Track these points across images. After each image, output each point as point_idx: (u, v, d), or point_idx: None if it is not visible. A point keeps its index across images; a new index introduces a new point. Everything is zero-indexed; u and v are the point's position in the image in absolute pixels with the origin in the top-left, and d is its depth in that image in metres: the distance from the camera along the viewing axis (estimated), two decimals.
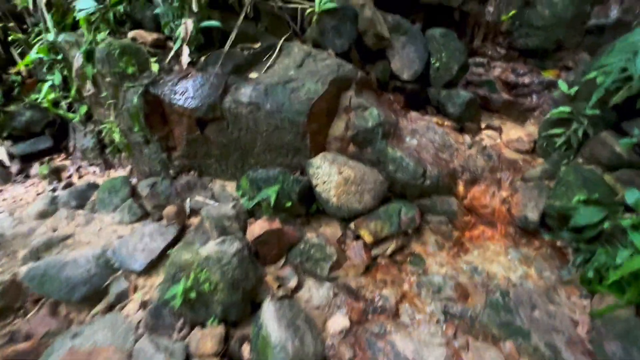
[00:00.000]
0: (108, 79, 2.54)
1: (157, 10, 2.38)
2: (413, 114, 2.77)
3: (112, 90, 2.57)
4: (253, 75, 2.37)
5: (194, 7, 2.25)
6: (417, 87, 2.92)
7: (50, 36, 2.99)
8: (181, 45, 2.35)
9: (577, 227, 1.72)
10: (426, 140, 2.48)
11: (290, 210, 2.15)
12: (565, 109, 2.32)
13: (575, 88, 2.53)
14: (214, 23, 2.24)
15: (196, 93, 2.28)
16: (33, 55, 3.15)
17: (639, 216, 1.58)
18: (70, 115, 3.38)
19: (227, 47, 2.36)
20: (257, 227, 1.98)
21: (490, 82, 3.16)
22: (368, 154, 2.35)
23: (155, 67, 2.42)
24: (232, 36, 2.40)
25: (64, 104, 3.36)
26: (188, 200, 2.56)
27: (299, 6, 2.71)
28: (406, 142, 2.45)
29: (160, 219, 2.49)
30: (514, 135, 2.84)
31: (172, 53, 2.45)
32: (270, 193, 1.99)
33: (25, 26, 3.58)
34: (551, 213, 2.00)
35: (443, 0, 3.32)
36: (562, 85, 2.63)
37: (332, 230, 2.22)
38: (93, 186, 2.85)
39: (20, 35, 3.59)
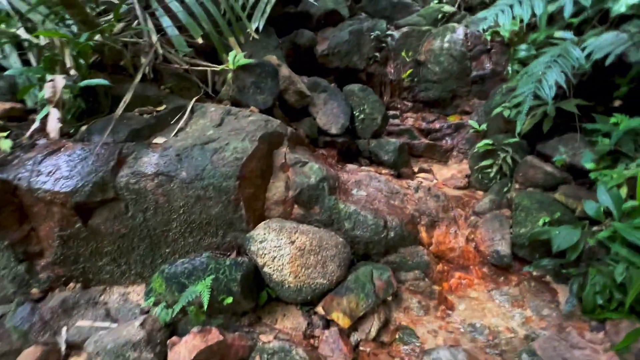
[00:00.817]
0: None
1: (10, 72, 1.78)
2: (350, 166, 2.60)
3: None
4: (159, 140, 1.87)
5: (68, 63, 1.75)
6: (347, 140, 2.82)
7: None
8: (47, 112, 1.74)
9: (559, 251, 1.60)
10: (373, 189, 2.27)
11: (230, 308, 1.54)
12: (488, 141, 2.44)
13: (485, 125, 2.76)
14: (99, 81, 1.75)
15: (73, 171, 1.64)
16: None
17: (608, 227, 1.53)
18: None
19: (119, 110, 1.86)
20: (185, 349, 1.30)
21: (408, 130, 3.32)
22: (317, 215, 1.97)
23: (5, 144, 1.71)
24: (127, 98, 1.92)
25: None
26: (64, 330, 1.67)
27: (208, 69, 2.46)
28: (354, 194, 2.18)
29: None
30: (446, 174, 2.90)
31: (35, 124, 1.80)
32: (200, 290, 1.37)
33: None
34: (520, 242, 1.88)
35: (350, 64, 3.55)
36: (473, 124, 2.86)
37: (292, 322, 1.65)
38: None
39: None
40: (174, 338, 1.36)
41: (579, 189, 1.90)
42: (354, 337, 1.59)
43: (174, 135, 1.91)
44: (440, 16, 3.83)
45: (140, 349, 1.37)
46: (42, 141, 1.78)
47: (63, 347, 1.60)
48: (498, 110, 2.46)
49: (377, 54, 3.58)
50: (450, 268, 2.03)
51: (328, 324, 1.64)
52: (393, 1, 4.25)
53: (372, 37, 3.54)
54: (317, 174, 2.01)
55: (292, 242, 1.61)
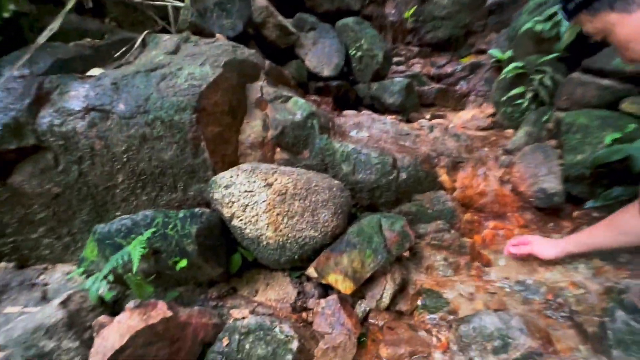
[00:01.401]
0: None
1: None
2: (348, 112, 2.15)
3: None
4: (94, 71, 1.45)
5: None
6: (344, 84, 2.36)
7: None
8: None
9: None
10: (377, 131, 1.82)
11: (189, 275, 1.13)
12: (518, 64, 1.96)
13: (509, 52, 2.26)
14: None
15: None
16: None
17: None
18: None
19: (40, 39, 1.44)
20: (115, 332, 0.90)
21: (416, 76, 2.84)
22: (307, 159, 1.54)
23: None
24: (54, 26, 1.49)
25: None
26: None
27: (169, 3, 2.01)
28: (353, 136, 1.74)
29: None
30: (464, 117, 2.42)
31: None
32: (132, 249, 0.96)
33: None
34: (576, 174, 1.42)
35: (341, 5, 3.06)
36: (495, 53, 2.36)
37: (277, 291, 1.24)
38: None
39: None
40: (102, 318, 0.95)
41: None
42: (361, 307, 1.17)
43: (115, 68, 1.49)
44: None
45: (58, 336, 0.97)
46: None
47: None
48: (528, 25, 1.96)
49: None
50: (481, 217, 1.58)
51: (326, 292, 1.22)
52: None
53: None
54: (304, 108, 1.57)
55: (269, 185, 1.19)
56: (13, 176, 1.34)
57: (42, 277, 1.47)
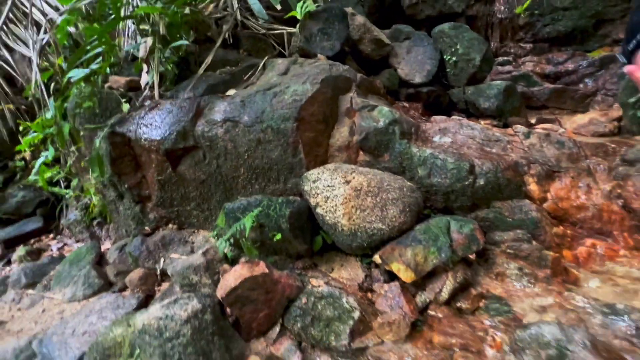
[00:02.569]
0: (82, 133, 2.28)
1: (126, 48, 2.19)
2: (437, 117, 2.19)
3: (88, 144, 2.27)
4: (230, 92, 1.98)
5: (162, 31, 2.02)
6: (436, 90, 2.40)
7: (48, 114, 2.92)
8: (150, 79, 2.06)
9: None
10: (463, 137, 1.84)
11: (283, 247, 1.47)
12: None
13: None
14: (181, 42, 1.97)
15: (163, 122, 1.89)
16: (30, 136, 3.08)
17: None
18: (64, 191, 3.13)
19: (200, 70, 2.05)
20: (232, 277, 1.30)
21: (525, 75, 2.60)
22: (386, 162, 1.72)
23: (125, 107, 2.11)
24: (208, 60, 2.11)
25: (61, 180, 3.15)
26: (162, 260, 1.95)
27: (285, 31, 2.49)
28: (435, 141, 1.82)
29: (123, 288, 1.87)
30: (581, 120, 2.13)
31: (145, 91, 2.17)
32: (246, 221, 1.35)
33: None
34: None
35: (444, 8, 3.04)
36: None
37: (349, 272, 1.47)
38: (57, 260, 2.35)
39: (29, 124, 3.67)
40: (225, 266, 1.38)
41: None
42: (421, 297, 1.30)
43: (243, 89, 1.99)
44: None
45: (200, 274, 1.45)
46: (147, 102, 2.13)
47: (158, 272, 1.86)
48: None
49: None
50: (577, 233, 1.45)
51: (390, 277, 1.39)
52: None
53: None
54: (387, 116, 1.75)
55: (347, 182, 1.43)
56: (180, 166, 1.96)
57: (191, 237, 2.09)
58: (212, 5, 2.54)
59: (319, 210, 1.46)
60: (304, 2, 2.10)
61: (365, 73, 2.44)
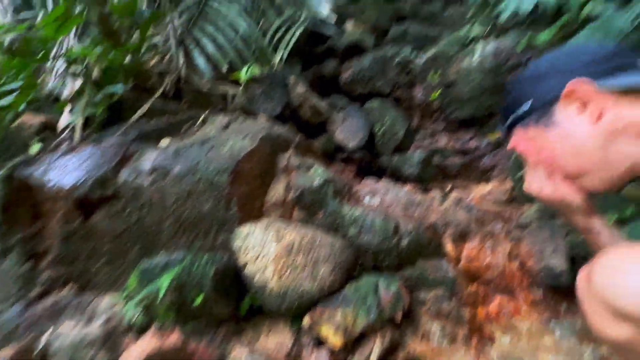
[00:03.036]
0: None
1: (53, 85, 2.04)
2: (368, 180, 2.38)
3: None
4: (165, 142, 1.91)
5: (95, 74, 1.95)
6: (367, 156, 2.65)
7: None
8: (74, 120, 1.91)
9: None
10: (390, 199, 2.00)
11: (205, 310, 1.32)
12: None
13: None
14: (115, 88, 1.90)
15: (79, 167, 1.71)
16: None
17: None
18: None
19: (134, 117, 1.97)
20: (136, 351, 1.10)
21: (440, 149, 3.04)
22: (320, 220, 1.75)
23: (35, 148, 1.88)
24: (145, 108, 2.05)
25: None
26: (47, 333, 1.58)
27: (229, 90, 2.59)
28: (365, 202, 1.94)
29: None
30: (484, 190, 2.50)
31: (64, 133, 1.98)
32: (164, 281, 1.21)
33: None
34: (581, 253, 1.42)
35: (374, 89, 3.51)
36: None
37: (277, 338, 1.36)
38: None
39: None
40: (130, 337, 1.17)
41: None
42: None
43: (180, 139, 1.94)
44: (468, 41, 3.72)
45: (96, 349, 1.20)
46: (64, 145, 1.93)
47: (39, 348, 1.49)
48: None
49: (402, 78, 3.51)
50: (488, 290, 1.59)
51: (319, 342, 1.32)
52: (421, 34, 4.30)
53: (396, 62, 3.52)
54: (322, 176, 1.84)
55: (280, 239, 1.41)
56: (93, 217, 1.74)
57: (94, 302, 1.76)
58: (157, 58, 2.57)
59: (248, 269, 1.38)
60: (249, 67, 2.26)
61: (304, 136, 2.60)
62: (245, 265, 1.39)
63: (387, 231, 1.60)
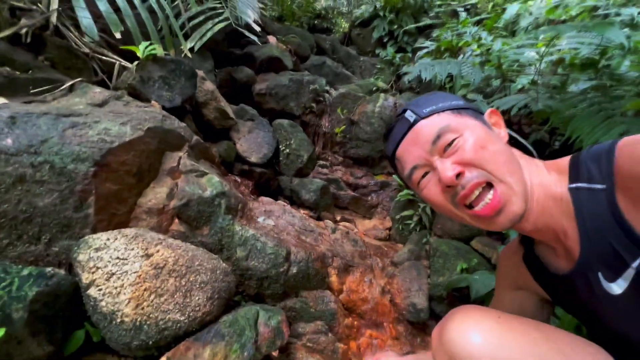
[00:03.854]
0: None
1: None
2: (265, 199, 2.26)
3: None
4: None
5: None
6: (268, 173, 2.54)
7: None
8: None
9: (478, 297, 1.38)
10: (284, 222, 1.93)
11: (3, 353, 0.92)
12: (409, 191, 2.38)
13: None
14: None
15: None
16: None
17: None
18: None
19: None
20: None
21: (336, 180, 3.20)
22: (204, 236, 1.53)
23: None
24: None
25: None
26: None
27: (117, 61, 2.12)
28: (260, 222, 1.81)
29: None
30: (368, 225, 2.71)
31: None
32: None
33: None
34: (438, 294, 1.64)
35: (286, 108, 3.50)
36: (397, 178, 2.85)
37: None
38: None
39: None
40: None
41: (493, 240, 1.82)
42: None
43: (25, 103, 1.43)
44: (374, 89, 4.19)
45: None
46: None
47: None
48: None
49: (314, 104, 3.63)
50: (361, 324, 1.66)
51: None
52: (336, 71, 4.62)
53: (311, 88, 3.63)
54: (216, 187, 1.63)
55: (148, 256, 1.13)
56: None
57: None
58: None
59: (92, 291, 1.04)
60: (151, 44, 1.90)
61: (203, 138, 2.33)
62: (89, 285, 1.05)
63: (278, 257, 1.51)
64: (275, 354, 1.24)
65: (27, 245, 1.21)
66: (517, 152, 0.74)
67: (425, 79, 2.10)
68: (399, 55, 4.77)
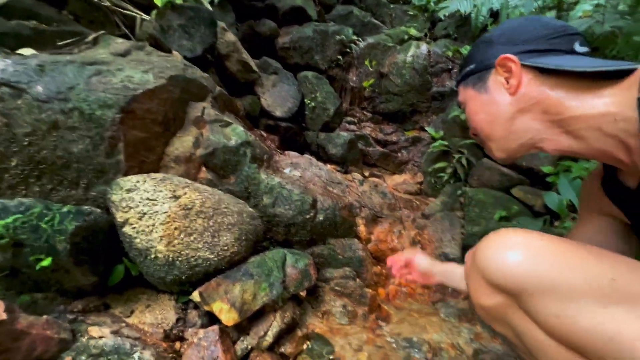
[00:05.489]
0: None
1: None
2: (291, 153, 2.23)
3: None
4: (25, 51, 1.40)
5: None
6: (293, 128, 2.49)
7: None
8: None
9: None
10: (311, 174, 1.89)
11: (53, 279, 1.00)
12: (443, 142, 2.23)
13: (441, 132, 2.58)
14: None
15: None
16: None
17: (573, 219, 1.27)
18: None
19: None
20: None
21: (364, 136, 3.07)
22: (230, 184, 1.54)
23: None
24: None
25: None
26: None
27: (138, 15, 2.08)
28: (286, 173, 1.79)
29: None
30: (398, 180, 2.62)
31: None
32: None
33: None
34: (472, 244, 1.55)
35: (311, 61, 3.34)
36: (430, 131, 2.68)
37: (157, 315, 1.12)
38: None
39: None
40: None
41: (536, 190, 1.67)
42: (243, 344, 1.10)
43: (50, 53, 1.45)
44: (406, 37, 3.85)
45: None
46: None
47: None
48: (455, 113, 2.29)
49: (340, 57, 3.43)
50: (389, 272, 1.63)
51: (209, 319, 1.14)
52: (364, 20, 4.27)
53: (337, 39, 3.41)
54: (241, 136, 1.61)
55: (176, 198, 1.15)
56: None
57: None
58: None
59: (127, 229, 1.09)
60: None
61: (227, 92, 2.29)
62: (124, 223, 1.09)
63: (304, 204, 1.49)
64: (303, 294, 1.25)
65: (68, 189, 1.28)
66: (553, 83, 0.65)
67: (466, 12, 1.85)
68: None
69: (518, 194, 1.60)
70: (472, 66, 0.76)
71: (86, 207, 1.07)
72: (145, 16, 2.06)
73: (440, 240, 1.65)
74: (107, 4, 2.00)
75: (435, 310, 1.48)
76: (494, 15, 2.99)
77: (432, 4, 4.27)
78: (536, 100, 0.66)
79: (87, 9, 1.86)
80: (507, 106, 0.70)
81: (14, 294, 1.00)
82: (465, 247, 1.59)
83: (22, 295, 1.00)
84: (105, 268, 1.10)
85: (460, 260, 1.56)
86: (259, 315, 1.14)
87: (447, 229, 1.69)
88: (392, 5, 4.95)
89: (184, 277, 1.10)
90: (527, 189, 1.62)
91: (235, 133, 1.63)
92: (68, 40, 1.60)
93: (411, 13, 4.52)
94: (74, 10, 1.82)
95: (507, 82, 0.69)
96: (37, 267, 0.93)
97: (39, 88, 1.21)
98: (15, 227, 0.93)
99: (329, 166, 2.39)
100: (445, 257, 1.58)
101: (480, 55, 0.75)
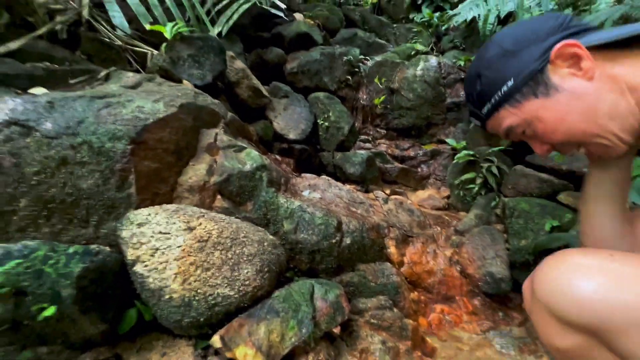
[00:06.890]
0: None
1: None
2: (308, 175, 2.13)
3: None
4: (37, 90, 1.38)
5: None
6: (308, 149, 2.41)
7: None
8: None
9: None
10: (331, 195, 1.78)
11: (58, 330, 0.89)
12: (469, 152, 2.09)
13: (463, 142, 2.45)
14: None
15: None
16: None
17: None
18: None
19: None
20: None
21: (381, 153, 2.97)
22: (248, 212, 1.43)
23: None
24: (13, 46, 1.48)
25: None
26: None
27: (148, 51, 2.11)
28: (305, 196, 1.68)
29: None
30: (422, 195, 2.47)
31: None
32: None
33: None
34: (521, 260, 1.38)
35: (320, 84, 3.33)
36: (451, 142, 2.55)
37: None
38: None
39: None
40: None
41: None
42: None
43: (63, 90, 1.43)
44: (413, 53, 3.83)
45: None
46: None
47: None
48: None
49: (349, 77, 3.42)
50: (428, 298, 1.46)
51: None
52: (369, 41, 4.32)
53: (344, 60, 3.41)
54: (256, 160, 1.53)
55: (190, 229, 1.05)
56: None
57: None
58: None
59: (138, 267, 0.98)
60: (176, 24, 1.84)
61: (240, 118, 2.26)
62: (135, 261, 0.99)
63: (329, 228, 1.36)
64: (336, 330, 1.10)
65: (78, 228, 1.20)
66: (611, 57, 0.61)
67: (478, 17, 1.79)
68: (436, 14, 4.33)
69: (567, 200, 1.42)
70: (509, 83, 0.66)
71: (94, 246, 0.98)
72: (155, 51, 2.09)
73: (483, 259, 1.47)
74: (119, 42, 2.05)
75: (487, 340, 1.28)
76: (501, 22, 2.94)
77: (435, 19, 4.29)
78: (613, 76, 0.61)
79: (100, 49, 1.89)
80: (595, 91, 0.61)
81: (17, 349, 0.90)
82: (512, 265, 1.41)
83: (25, 352, 0.89)
84: (116, 314, 0.99)
85: (509, 281, 1.38)
86: (290, 358, 0.98)
87: (488, 244, 1.52)
88: (395, 25, 5.02)
89: (202, 319, 0.97)
90: (577, 195, 1.45)
91: (250, 157, 1.55)
92: (80, 78, 1.60)
93: (415, 30, 4.55)
94: (87, 50, 1.85)
95: (579, 69, 0.62)
96: (40, 318, 0.83)
97: (48, 124, 1.18)
98: (17, 273, 0.84)
99: (347, 186, 2.28)
100: (491, 277, 1.40)
101: (510, 68, 0.66)
